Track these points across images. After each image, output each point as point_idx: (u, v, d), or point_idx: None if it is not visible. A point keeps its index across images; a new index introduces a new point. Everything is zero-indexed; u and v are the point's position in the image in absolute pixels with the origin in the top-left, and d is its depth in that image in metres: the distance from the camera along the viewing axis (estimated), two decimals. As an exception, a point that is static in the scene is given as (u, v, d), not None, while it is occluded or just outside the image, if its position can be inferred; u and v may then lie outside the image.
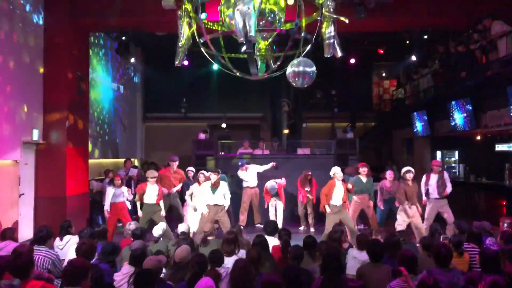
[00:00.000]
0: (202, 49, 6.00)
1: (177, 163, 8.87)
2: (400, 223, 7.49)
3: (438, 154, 12.19)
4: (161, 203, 7.74)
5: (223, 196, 7.58)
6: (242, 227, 7.58)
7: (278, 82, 11.76)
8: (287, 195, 9.51)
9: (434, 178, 7.71)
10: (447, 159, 12.00)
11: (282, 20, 5.76)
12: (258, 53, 6.28)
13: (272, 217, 9.00)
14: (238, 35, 5.16)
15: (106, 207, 7.82)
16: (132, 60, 12.95)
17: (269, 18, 5.63)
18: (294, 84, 5.84)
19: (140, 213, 7.67)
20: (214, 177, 7.52)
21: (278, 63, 6.45)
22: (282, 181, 9.20)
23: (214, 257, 4.14)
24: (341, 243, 5.40)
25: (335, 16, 5.79)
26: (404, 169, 7.80)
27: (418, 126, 11.77)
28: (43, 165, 8.45)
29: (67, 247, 5.27)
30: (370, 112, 16.42)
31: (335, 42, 5.93)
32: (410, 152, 13.66)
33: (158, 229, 5.94)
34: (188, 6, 5.86)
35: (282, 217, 9.15)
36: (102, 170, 10.57)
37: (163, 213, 7.67)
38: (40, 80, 8.43)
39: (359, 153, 11.33)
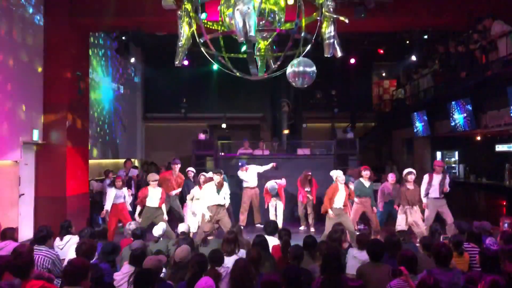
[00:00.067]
0: (202, 49, 6.00)
1: (179, 166, 8.82)
2: (401, 224, 7.48)
3: (438, 154, 12.18)
4: (163, 206, 7.70)
5: (224, 196, 7.59)
6: (242, 227, 7.58)
7: (278, 82, 11.78)
8: (287, 195, 9.51)
9: (436, 178, 7.71)
10: (447, 159, 12.00)
11: (282, 20, 5.76)
12: (258, 53, 6.27)
13: (272, 217, 9.00)
14: (238, 35, 5.16)
15: (107, 207, 7.81)
16: (132, 60, 12.99)
17: (269, 18, 5.63)
18: (294, 84, 5.83)
19: (137, 218, 7.58)
20: (217, 177, 7.52)
21: (278, 63, 6.45)
22: (282, 181, 9.20)
23: (214, 256, 4.14)
24: (341, 243, 5.40)
25: (335, 16, 5.79)
26: (405, 171, 7.76)
27: (418, 126, 11.77)
28: (43, 165, 8.46)
29: (67, 247, 5.27)
30: (370, 112, 16.41)
31: (335, 42, 5.92)
32: (410, 152, 13.66)
33: (158, 229, 5.94)
34: (188, 6, 5.85)
35: (282, 217, 9.14)
36: (102, 170, 10.57)
37: (165, 217, 7.60)
38: (40, 80, 8.43)
39: (359, 153, 11.33)
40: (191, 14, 5.89)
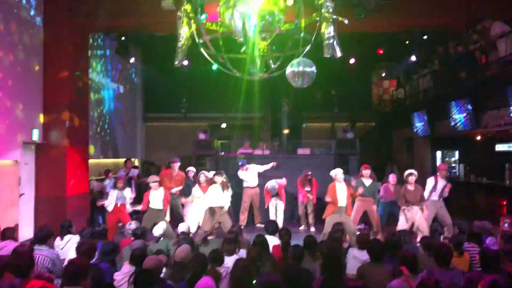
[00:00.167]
0: (201, 49, 6.00)
1: (178, 164, 8.85)
2: (402, 224, 7.47)
3: (438, 154, 12.19)
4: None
5: (226, 198, 7.61)
6: (242, 227, 7.58)
7: (278, 82, 11.76)
8: (288, 195, 9.51)
9: (441, 182, 7.70)
10: (447, 159, 12.00)
11: (282, 20, 5.76)
12: (258, 53, 6.27)
13: (272, 217, 8.99)
14: (237, 35, 5.16)
15: (110, 209, 7.82)
16: (132, 60, 12.99)
17: (269, 18, 5.63)
18: (294, 84, 5.84)
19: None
20: (219, 179, 7.52)
21: (278, 63, 6.45)
22: (283, 181, 9.19)
23: (214, 256, 4.14)
24: (341, 243, 5.40)
25: (334, 17, 5.79)
26: (406, 172, 7.72)
27: (418, 126, 11.77)
28: (43, 165, 8.46)
29: (67, 247, 5.28)
30: (370, 112, 16.41)
31: (335, 42, 5.93)
32: (410, 152, 13.66)
33: (159, 229, 5.94)
34: (188, 7, 5.86)
35: (283, 217, 9.14)
36: (102, 170, 10.57)
37: (167, 218, 7.62)
38: (40, 80, 8.43)
39: (359, 153, 11.32)
40: (190, 14, 5.89)
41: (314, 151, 11.53)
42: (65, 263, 4.14)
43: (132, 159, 12.62)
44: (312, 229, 9.14)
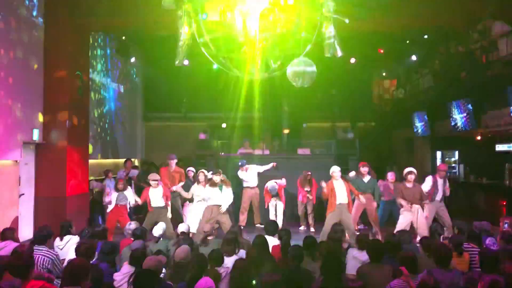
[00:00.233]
0: (202, 48, 6.00)
1: (175, 161, 8.88)
2: (402, 224, 7.47)
3: (438, 154, 12.19)
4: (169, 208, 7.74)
5: (226, 198, 7.61)
6: (242, 227, 7.59)
7: (278, 82, 11.76)
8: (287, 195, 9.51)
9: (440, 182, 7.73)
10: (447, 159, 12.00)
11: (282, 20, 5.76)
12: (258, 53, 6.27)
13: (272, 217, 9.00)
14: (238, 35, 5.16)
15: (110, 209, 7.86)
16: (133, 59, 12.98)
17: (269, 18, 5.63)
18: (294, 84, 5.84)
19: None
20: (217, 178, 7.52)
21: (278, 63, 6.45)
22: (283, 181, 9.20)
23: (214, 257, 4.14)
24: (341, 243, 5.40)
25: (335, 16, 5.79)
26: (406, 170, 7.73)
27: (418, 126, 11.77)
28: (43, 165, 8.45)
29: (67, 247, 5.27)
30: (370, 112, 16.40)
31: (335, 42, 5.93)
32: (410, 152, 13.66)
33: (158, 229, 5.94)
34: (188, 6, 5.86)
35: (283, 217, 9.14)
36: (102, 170, 10.57)
37: (169, 214, 7.66)
38: (40, 79, 8.43)
39: (359, 153, 11.33)
40: (191, 14, 5.89)
41: (314, 151, 11.55)
42: (65, 263, 4.15)
43: (132, 159, 12.62)
44: (312, 229, 9.14)
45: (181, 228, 5.98)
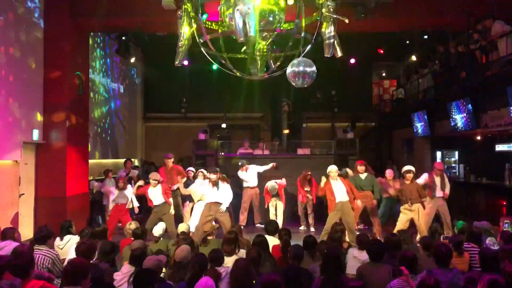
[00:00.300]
0: (202, 49, 5.99)
1: (171, 160, 8.89)
2: (402, 223, 7.47)
3: (438, 154, 12.18)
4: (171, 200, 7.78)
5: (224, 195, 7.59)
6: (242, 227, 7.58)
7: (278, 82, 11.76)
8: (287, 195, 9.51)
9: (436, 179, 7.80)
10: (447, 159, 12.00)
11: (282, 20, 5.76)
12: (258, 53, 6.27)
13: (272, 217, 9.01)
14: (238, 35, 5.15)
15: (111, 207, 7.91)
16: (132, 60, 12.98)
17: (269, 18, 5.63)
18: (294, 84, 5.83)
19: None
20: (214, 176, 7.51)
21: (278, 63, 6.44)
22: (283, 181, 9.20)
23: (214, 256, 4.14)
24: (341, 243, 5.40)
25: (335, 16, 5.78)
26: (404, 168, 7.76)
27: (418, 126, 11.77)
28: (43, 165, 8.46)
29: (67, 247, 5.28)
30: (370, 112, 16.40)
31: (335, 42, 5.92)
32: (410, 152, 13.66)
33: (159, 229, 5.94)
34: (188, 6, 5.85)
35: (283, 217, 9.15)
36: (102, 170, 10.57)
37: (172, 211, 7.70)
38: (40, 80, 8.43)
39: (359, 153, 11.33)
40: (191, 14, 5.89)
41: (314, 151, 11.55)
42: (65, 263, 4.14)
43: (132, 159, 12.62)
44: (312, 229, 9.14)
45: (181, 228, 5.98)
